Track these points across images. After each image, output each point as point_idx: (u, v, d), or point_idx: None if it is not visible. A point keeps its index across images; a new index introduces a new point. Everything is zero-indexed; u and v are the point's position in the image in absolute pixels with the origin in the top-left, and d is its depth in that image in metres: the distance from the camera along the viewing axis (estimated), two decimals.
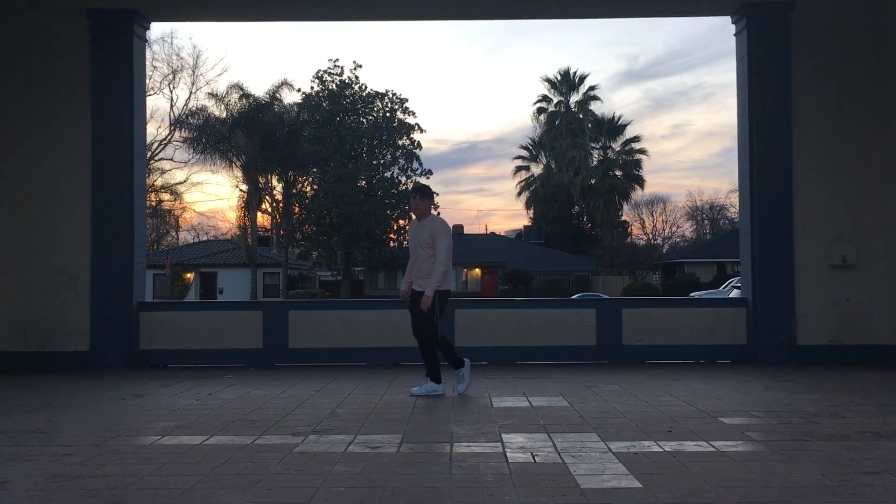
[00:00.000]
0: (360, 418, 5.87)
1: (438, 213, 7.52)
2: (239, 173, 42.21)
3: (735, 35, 10.23)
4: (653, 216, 63.46)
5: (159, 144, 43.20)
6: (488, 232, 63.05)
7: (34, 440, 5.18)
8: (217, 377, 8.52)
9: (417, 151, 44.47)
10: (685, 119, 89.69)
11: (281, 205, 44.82)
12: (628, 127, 59.05)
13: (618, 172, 58.00)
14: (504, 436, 5.16)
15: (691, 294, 32.62)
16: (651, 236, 63.11)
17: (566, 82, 60.71)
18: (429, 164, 46.62)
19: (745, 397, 6.88)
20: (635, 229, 62.89)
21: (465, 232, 58.42)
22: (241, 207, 43.39)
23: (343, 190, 40.91)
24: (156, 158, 43.01)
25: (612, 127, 58.70)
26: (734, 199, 52.88)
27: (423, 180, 44.37)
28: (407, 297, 7.03)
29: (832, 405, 6.34)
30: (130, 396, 7.19)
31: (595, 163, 58.55)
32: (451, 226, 7.11)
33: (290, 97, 44.10)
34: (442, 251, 6.74)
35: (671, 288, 42.46)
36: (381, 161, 44.03)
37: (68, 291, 9.58)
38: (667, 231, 64.45)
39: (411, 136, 44.21)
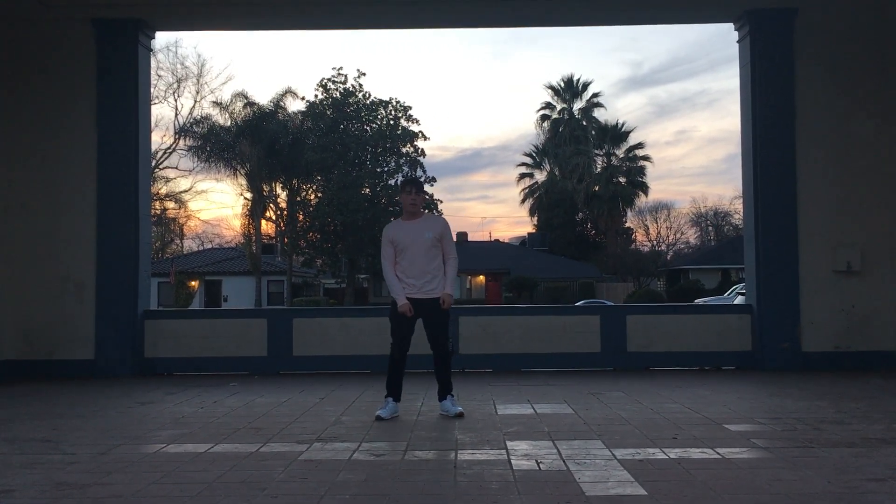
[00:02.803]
0: (365, 426, 5.88)
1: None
2: (243, 181, 42.30)
3: (738, 42, 10.25)
4: (657, 223, 63.38)
5: (164, 153, 43.31)
6: (492, 239, 63.02)
7: (40, 448, 5.19)
8: (222, 385, 8.53)
9: (421, 159, 44.54)
10: (689, 125, 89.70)
11: (285, 213, 44.87)
12: (632, 134, 59.12)
13: (622, 179, 57.97)
14: (509, 443, 5.15)
15: (696, 301, 32.52)
16: (655, 243, 63.03)
17: (569, 89, 60.76)
18: (433, 172, 46.84)
19: (750, 404, 6.87)
20: (639, 236, 62.86)
21: (470, 239, 58.37)
22: (246, 215, 43.44)
23: (347, 198, 40.97)
24: (160, 167, 43.13)
25: (616, 134, 58.72)
26: (738, 205, 52.86)
27: (427, 187, 44.44)
28: (411, 311, 6.11)
29: (837, 412, 6.32)
30: (135, 404, 7.20)
31: (599, 170, 58.55)
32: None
33: (294, 105, 44.20)
34: (454, 251, 6.29)
35: (675, 294, 42.39)
36: (385, 169, 44.11)
37: (74, 300, 9.60)
38: (671, 238, 64.38)
39: (415, 143, 44.29)
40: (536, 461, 4.62)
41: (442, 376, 6.33)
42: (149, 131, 10.43)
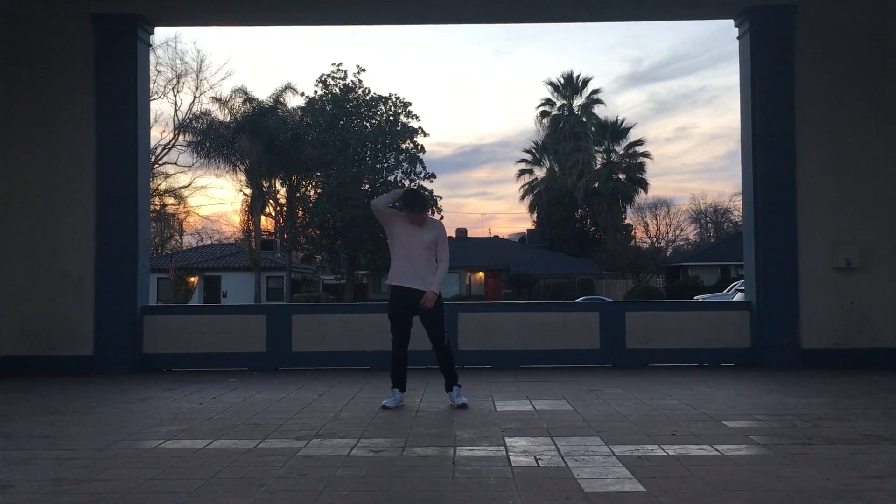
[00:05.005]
0: (364, 422, 5.88)
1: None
2: (243, 177, 42.36)
3: (738, 38, 10.23)
4: (656, 219, 63.46)
5: (163, 148, 43.34)
6: (492, 235, 62.96)
7: (38, 444, 5.19)
8: (221, 381, 8.53)
9: (421, 155, 44.52)
10: (689, 122, 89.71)
11: (285, 208, 44.89)
12: (632, 130, 59.17)
13: (621, 176, 57.97)
14: (507, 439, 5.15)
15: (695, 297, 32.53)
16: (655, 239, 63.08)
17: (569, 86, 60.73)
18: (432, 168, 46.90)
19: (748, 401, 6.87)
20: (639, 232, 62.90)
21: (469, 235, 58.31)
22: (245, 211, 43.52)
23: (347, 193, 40.97)
24: (160, 162, 43.15)
25: (616, 130, 58.71)
26: (738, 202, 52.85)
27: (426, 183, 44.40)
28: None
29: (836, 409, 6.32)
30: (134, 400, 7.20)
31: (598, 166, 58.54)
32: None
33: (294, 101, 44.23)
34: (447, 255, 6.72)
35: (675, 291, 42.42)
36: (385, 165, 44.10)
37: (73, 295, 9.59)
38: (670, 234, 64.44)
39: (415, 139, 44.28)
40: (535, 458, 4.62)
41: (444, 368, 6.71)
42: (148, 127, 10.40)
